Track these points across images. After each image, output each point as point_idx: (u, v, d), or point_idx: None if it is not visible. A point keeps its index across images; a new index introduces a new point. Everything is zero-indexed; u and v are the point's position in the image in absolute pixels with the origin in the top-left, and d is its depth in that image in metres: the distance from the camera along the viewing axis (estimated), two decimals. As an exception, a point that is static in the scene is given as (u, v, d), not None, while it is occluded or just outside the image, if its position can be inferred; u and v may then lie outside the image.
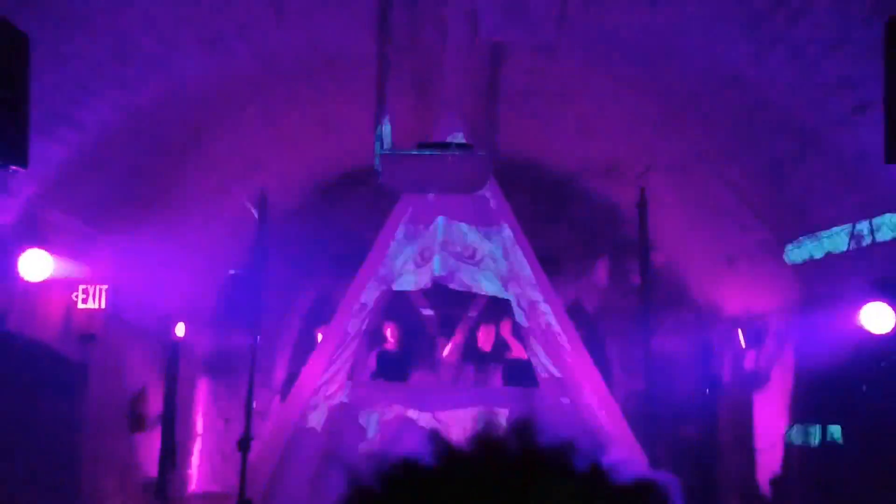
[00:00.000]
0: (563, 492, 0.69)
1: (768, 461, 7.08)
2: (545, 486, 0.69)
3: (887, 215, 5.36)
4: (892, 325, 5.48)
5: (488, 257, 7.24)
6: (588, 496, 0.70)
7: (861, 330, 5.58)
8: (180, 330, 7.80)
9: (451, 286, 7.27)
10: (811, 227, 6.09)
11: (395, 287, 7.42)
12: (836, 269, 6.02)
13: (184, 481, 8.62)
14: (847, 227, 5.76)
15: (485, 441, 0.73)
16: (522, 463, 0.71)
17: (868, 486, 5.65)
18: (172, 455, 7.85)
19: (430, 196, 7.11)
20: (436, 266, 7.16)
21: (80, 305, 6.35)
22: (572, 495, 0.69)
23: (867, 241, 5.62)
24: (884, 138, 3.84)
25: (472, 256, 7.23)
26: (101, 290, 6.39)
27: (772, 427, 7.04)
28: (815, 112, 5.25)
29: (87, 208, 6.15)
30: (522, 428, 0.74)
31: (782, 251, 6.49)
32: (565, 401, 6.92)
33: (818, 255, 6.20)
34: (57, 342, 6.20)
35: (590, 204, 8.84)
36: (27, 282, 5.67)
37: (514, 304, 7.24)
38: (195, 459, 8.91)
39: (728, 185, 6.67)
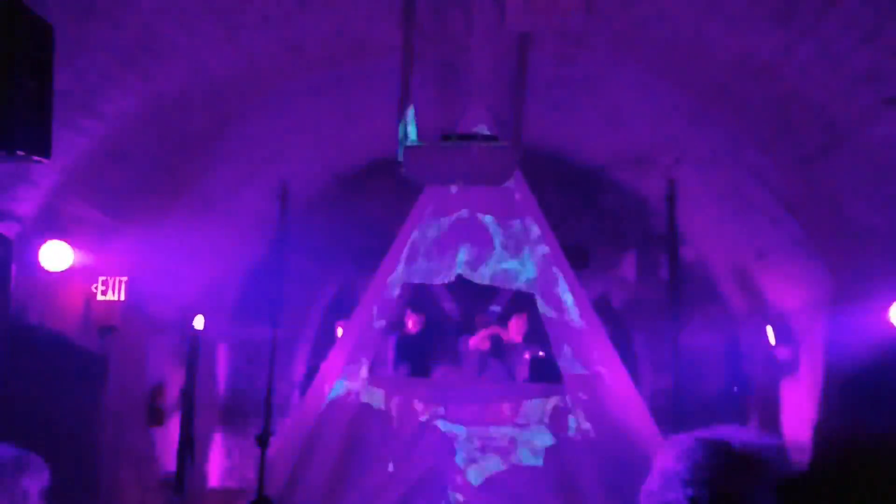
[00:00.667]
0: None
1: (799, 460, 6.97)
2: None
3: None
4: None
5: (512, 253, 7.16)
6: None
7: (892, 328, 5.51)
8: (200, 322, 7.78)
9: (475, 280, 7.20)
10: (843, 222, 5.98)
11: (418, 280, 7.36)
12: (869, 266, 5.91)
13: (202, 476, 8.62)
14: (878, 222, 5.67)
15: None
16: None
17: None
18: (191, 449, 7.84)
19: (454, 188, 7.04)
20: (459, 263, 7.10)
21: (100, 297, 6.36)
22: None
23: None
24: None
25: (496, 253, 7.16)
26: (120, 282, 6.39)
27: (802, 425, 6.93)
28: (845, 105, 5.18)
29: (109, 199, 6.14)
30: None
31: (813, 246, 6.39)
32: (591, 397, 6.83)
33: (849, 249, 6.09)
34: (76, 334, 6.21)
35: (618, 196, 8.75)
36: (48, 273, 5.69)
37: (538, 299, 7.15)
38: (214, 454, 8.90)
39: (758, 178, 6.56)
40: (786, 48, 5.04)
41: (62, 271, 5.75)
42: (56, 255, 5.69)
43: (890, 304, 5.57)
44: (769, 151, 6.27)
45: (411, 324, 8.16)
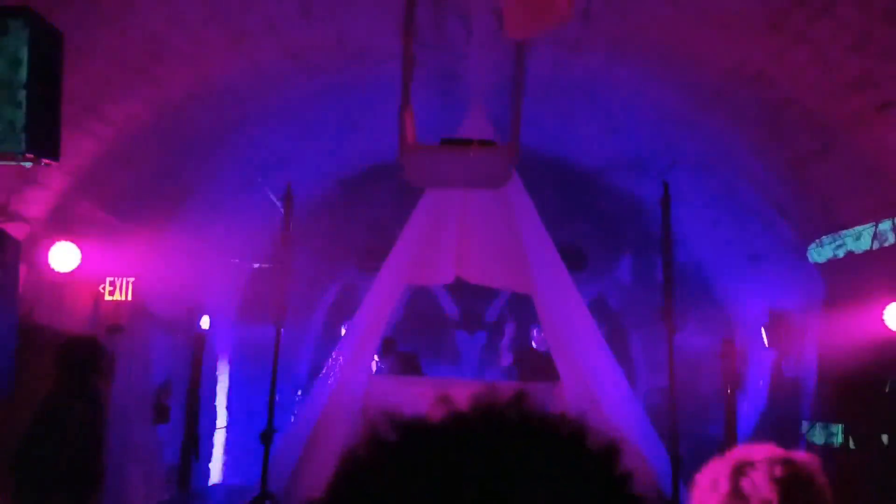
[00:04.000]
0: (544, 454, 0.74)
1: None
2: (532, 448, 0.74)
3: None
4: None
5: (509, 258, 7.27)
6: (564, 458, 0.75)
7: (884, 329, 5.58)
8: (205, 322, 7.89)
9: (473, 282, 7.31)
10: (835, 226, 6.06)
11: (419, 281, 7.47)
12: (860, 269, 5.99)
13: (206, 473, 8.73)
14: (870, 227, 5.74)
15: (485, 406, 0.78)
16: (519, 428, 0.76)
17: (891, 485, 5.62)
18: (195, 447, 7.95)
19: (454, 192, 7.14)
20: (458, 264, 7.21)
21: (108, 297, 6.43)
22: (551, 457, 0.74)
23: (890, 240, 5.59)
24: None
25: (495, 258, 7.26)
26: (128, 283, 6.47)
27: (794, 426, 7.00)
28: (837, 110, 5.25)
29: (117, 201, 6.24)
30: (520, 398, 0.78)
31: (806, 249, 6.46)
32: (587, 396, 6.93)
33: (841, 253, 6.17)
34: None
35: (615, 199, 8.84)
36: (56, 273, 5.77)
37: (537, 301, 7.25)
38: (218, 451, 9.01)
39: (752, 182, 6.65)
40: (779, 54, 5.13)
41: (70, 272, 5.83)
42: (64, 256, 5.73)
43: (884, 306, 5.62)
44: (762, 155, 6.36)
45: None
